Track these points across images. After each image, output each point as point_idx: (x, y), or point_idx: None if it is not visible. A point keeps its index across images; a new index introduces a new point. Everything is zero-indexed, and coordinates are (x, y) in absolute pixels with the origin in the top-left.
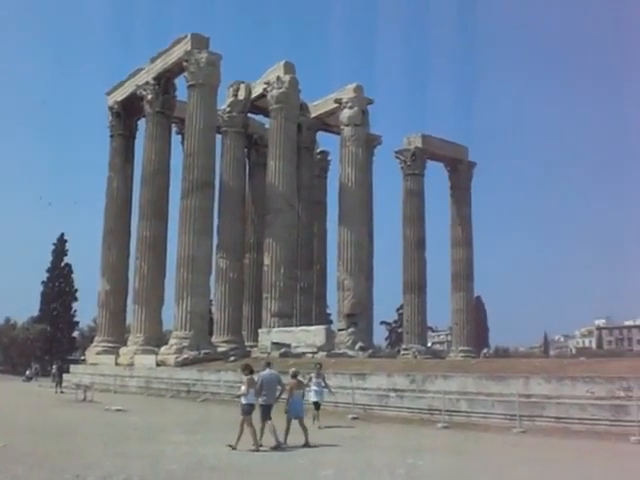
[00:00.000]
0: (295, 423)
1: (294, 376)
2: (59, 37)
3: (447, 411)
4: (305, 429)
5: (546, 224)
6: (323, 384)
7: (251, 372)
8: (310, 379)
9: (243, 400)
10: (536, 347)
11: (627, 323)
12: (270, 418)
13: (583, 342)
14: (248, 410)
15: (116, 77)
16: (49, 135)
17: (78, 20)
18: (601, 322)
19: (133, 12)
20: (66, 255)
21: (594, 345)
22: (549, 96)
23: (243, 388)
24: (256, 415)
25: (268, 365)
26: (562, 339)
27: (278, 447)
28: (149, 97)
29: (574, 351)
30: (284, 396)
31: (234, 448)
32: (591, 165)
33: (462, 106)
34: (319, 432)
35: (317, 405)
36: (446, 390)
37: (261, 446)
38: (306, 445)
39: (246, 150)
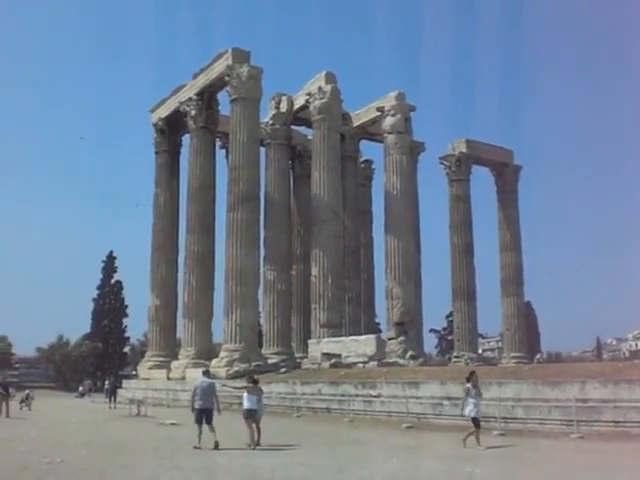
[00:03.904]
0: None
1: (254, 382)
2: (102, 52)
3: (503, 418)
4: (259, 430)
5: (596, 226)
6: (480, 396)
7: (254, 382)
8: (468, 390)
9: (246, 406)
10: (588, 351)
11: None
12: (210, 422)
13: (636, 345)
14: (247, 414)
15: (160, 93)
16: (98, 152)
17: (121, 36)
18: None
19: (175, 29)
20: (115, 272)
21: None
22: (598, 97)
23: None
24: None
25: (204, 374)
26: (614, 342)
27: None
28: (192, 113)
29: (627, 354)
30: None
31: (253, 446)
32: None
33: (507, 109)
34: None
35: (477, 422)
36: (501, 397)
37: (258, 445)
38: (257, 444)
39: (290, 162)
